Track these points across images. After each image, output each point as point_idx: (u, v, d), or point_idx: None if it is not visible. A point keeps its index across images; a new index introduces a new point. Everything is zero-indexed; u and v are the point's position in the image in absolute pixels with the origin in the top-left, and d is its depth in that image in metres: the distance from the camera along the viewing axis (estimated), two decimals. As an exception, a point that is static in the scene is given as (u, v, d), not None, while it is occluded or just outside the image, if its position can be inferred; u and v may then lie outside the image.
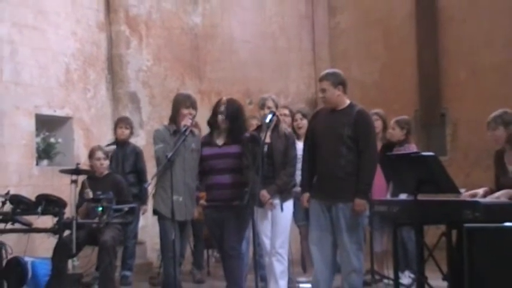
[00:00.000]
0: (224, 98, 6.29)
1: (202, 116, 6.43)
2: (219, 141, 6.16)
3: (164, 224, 6.10)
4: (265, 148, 6.06)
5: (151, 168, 7.31)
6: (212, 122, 6.22)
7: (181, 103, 6.22)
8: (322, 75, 5.97)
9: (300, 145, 6.31)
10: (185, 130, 6.09)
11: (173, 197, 5.89)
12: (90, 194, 6.85)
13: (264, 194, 6.03)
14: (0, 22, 7.86)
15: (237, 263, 6.16)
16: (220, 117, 6.13)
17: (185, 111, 6.17)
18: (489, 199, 5.42)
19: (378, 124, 7.29)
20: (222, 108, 6.14)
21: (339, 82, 5.84)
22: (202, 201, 6.16)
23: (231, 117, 6.13)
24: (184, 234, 6.28)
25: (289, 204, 6.18)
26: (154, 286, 7.60)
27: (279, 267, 6.08)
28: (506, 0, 9.48)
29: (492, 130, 5.68)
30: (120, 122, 8.31)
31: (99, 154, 7.23)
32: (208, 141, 6.21)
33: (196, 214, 6.27)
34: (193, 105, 6.25)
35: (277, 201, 6.09)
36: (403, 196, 6.29)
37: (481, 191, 5.59)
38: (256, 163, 5.84)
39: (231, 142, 6.12)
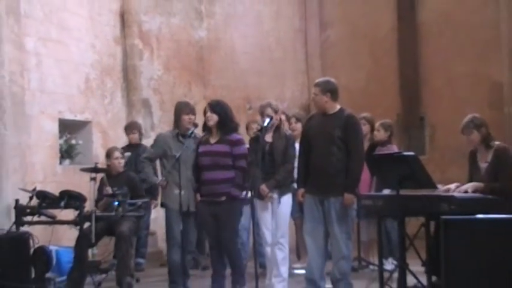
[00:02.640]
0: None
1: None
2: (212, 140, 6.14)
3: (170, 216, 6.15)
4: (267, 147, 6.05)
5: (159, 167, 7.32)
6: (205, 126, 6.23)
7: (182, 110, 6.30)
8: (316, 82, 6.01)
9: (296, 145, 6.32)
10: (191, 133, 6.17)
11: (181, 191, 5.95)
12: (108, 190, 6.86)
13: (264, 188, 6.03)
14: (27, 36, 7.85)
15: (237, 253, 6.16)
16: (207, 115, 6.09)
17: (186, 117, 6.25)
18: (458, 192, 5.44)
19: (366, 127, 7.29)
20: (207, 107, 6.16)
21: (327, 90, 5.85)
22: (198, 196, 6.16)
23: (217, 112, 6.07)
24: (190, 225, 6.27)
25: (287, 198, 6.17)
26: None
27: (280, 254, 6.06)
28: (477, 17, 9.54)
29: (468, 135, 5.69)
30: (128, 129, 8.36)
31: (117, 154, 7.23)
32: (203, 140, 6.20)
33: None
34: (192, 111, 6.33)
35: (275, 196, 6.09)
36: (386, 191, 6.32)
37: (453, 186, 5.62)
38: (257, 159, 5.85)
39: (222, 141, 6.09)
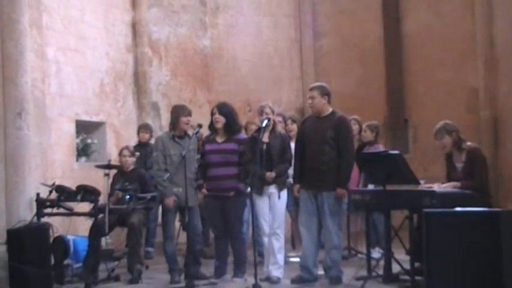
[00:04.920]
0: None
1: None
2: (219, 139, 6.14)
3: (167, 212, 6.17)
4: (264, 147, 6.03)
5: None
6: (211, 126, 6.23)
7: (180, 112, 6.24)
8: (313, 86, 6.02)
9: (291, 145, 6.32)
10: (197, 133, 6.18)
11: (178, 189, 5.98)
12: (120, 185, 6.86)
13: (268, 174, 5.96)
14: (48, 46, 7.88)
15: (242, 243, 6.20)
16: (215, 116, 6.09)
17: (184, 118, 6.21)
18: (439, 189, 5.48)
19: (355, 128, 7.29)
20: (215, 109, 6.16)
21: (325, 93, 5.90)
22: (204, 191, 6.15)
23: (224, 114, 6.09)
24: (196, 218, 6.25)
25: (284, 193, 6.18)
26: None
27: (277, 244, 6.06)
28: (455, 29, 9.56)
29: (440, 139, 5.74)
30: (141, 128, 8.42)
31: (125, 152, 7.22)
32: (209, 139, 6.20)
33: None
34: (189, 113, 6.30)
35: (274, 191, 6.07)
36: (370, 186, 6.35)
37: (435, 186, 5.64)
38: (255, 158, 5.87)
39: (229, 140, 6.10)
